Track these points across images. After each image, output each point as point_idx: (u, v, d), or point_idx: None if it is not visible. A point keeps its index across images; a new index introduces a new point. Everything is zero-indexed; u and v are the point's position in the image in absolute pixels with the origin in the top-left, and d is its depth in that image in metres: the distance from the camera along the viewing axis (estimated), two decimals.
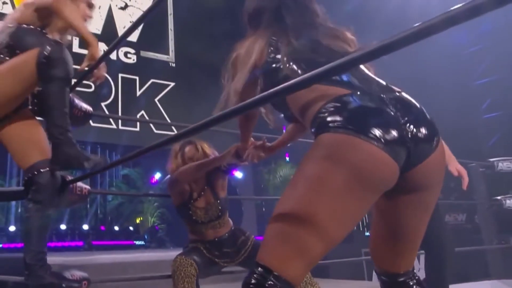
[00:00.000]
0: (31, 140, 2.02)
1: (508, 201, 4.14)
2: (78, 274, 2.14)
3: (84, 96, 2.56)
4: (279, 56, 1.28)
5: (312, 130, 1.16)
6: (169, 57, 9.14)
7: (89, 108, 2.35)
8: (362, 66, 1.26)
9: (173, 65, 9.16)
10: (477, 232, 4.48)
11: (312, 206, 1.04)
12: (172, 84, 8.95)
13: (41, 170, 1.93)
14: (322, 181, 1.05)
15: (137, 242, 11.93)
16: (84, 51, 2.10)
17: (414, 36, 0.67)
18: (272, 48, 1.31)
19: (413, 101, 1.18)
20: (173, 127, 8.28)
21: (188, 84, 8.83)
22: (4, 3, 8.17)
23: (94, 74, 2.03)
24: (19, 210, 10.60)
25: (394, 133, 1.07)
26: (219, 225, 2.48)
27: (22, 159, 1.99)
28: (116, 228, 12.50)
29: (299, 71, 1.22)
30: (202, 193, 2.50)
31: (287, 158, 11.35)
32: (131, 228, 12.69)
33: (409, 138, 1.09)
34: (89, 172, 2.05)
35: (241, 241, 2.49)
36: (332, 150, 1.07)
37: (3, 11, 8.08)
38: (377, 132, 1.05)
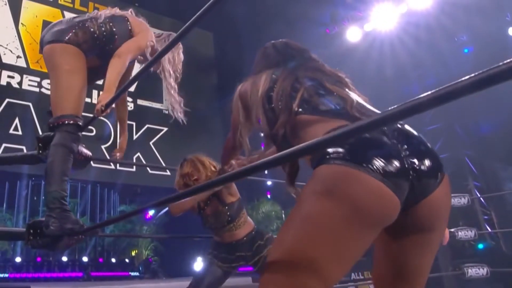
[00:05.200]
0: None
1: (460, 233, 4.15)
2: None
3: (86, 139, 2.52)
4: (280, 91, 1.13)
5: (312, 162, 1.00)
6: (163, 105, 9.21)
7: (89, 153, 2.29)
8: (360, 99, 1.13)
9: (166, 112, 9.19)
10: (435, 259, 4.45)
11: (310, 249, 0.87)
12: (165, 129, 8.97)
13: (70, 122, 1.91)
14: (319, 219, 0.89)
15: (132, 273, 11.64)
16: None
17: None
18: (273, 84, 1.16)
19: (414, 132, 1.03)
20: (165, 167, 8.23)
21: (179, 129, 8.83)
22: (18, 57, 8.17)
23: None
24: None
25: (395, 164, 0.91)
26: (235, 228, 2.33)
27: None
28: (113, 260, 12.18)
29: (308, 113, 1.06)
30: (208, 202, 2.36)
31: (269, 196, 11.29)
32: (127, 260, 12.37)
33: (412, 170, 0.93)
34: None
35: (257, 245, 2.33)
36: (330, 184, 0.91)
37: (17, 64, 8.07)
38: (377, 163, 0.89)
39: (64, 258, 11.24)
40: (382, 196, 0.89)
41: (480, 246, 6.66)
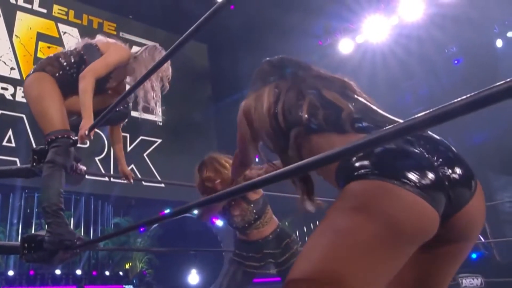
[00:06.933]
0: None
1: None
2: None
3: (80, 152, 2.53)
4: (280, 105, 1.09)
5: (338, 180, 0.94)
6: (157, 116, 9.22)
7: (83, 168, 2.32)
8: (379, 109, 1.08)
9: (160, 124, 9.20)
10: None
11: (340, 265, 0.80)
12: (159, 140, 8.95)
13: (59, 136, 2.02)
14: (353, 235, 0.82)
15: (126, 286, 11.52)
16: None
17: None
18: (276, 98, 1.12)
19: (440, 138, 0.96)
20: (158, 178, 8.19)
21: (174, 141, 8.85)
22: (12, 68, 8.15)
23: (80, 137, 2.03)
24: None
25: (430, 176, 0.85)
26: (262, 225, 2.33)
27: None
28: (107, 273, 12.05)
29: (317, 124, 1.02)
30: (233, 202, 2.35)
31: None
32: (121, 273, 12.24)
33: (446, 180, 0.87)
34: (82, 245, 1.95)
35: (285, 243, 2.34)
36: (364, 199, 0.85)
37: (11, 76, 8.05)
38: (412, 176, 0.83)
39: (58, 271, 11.11)
40: (421, 211, 0.82)
41: (474, 256, 6.67)
